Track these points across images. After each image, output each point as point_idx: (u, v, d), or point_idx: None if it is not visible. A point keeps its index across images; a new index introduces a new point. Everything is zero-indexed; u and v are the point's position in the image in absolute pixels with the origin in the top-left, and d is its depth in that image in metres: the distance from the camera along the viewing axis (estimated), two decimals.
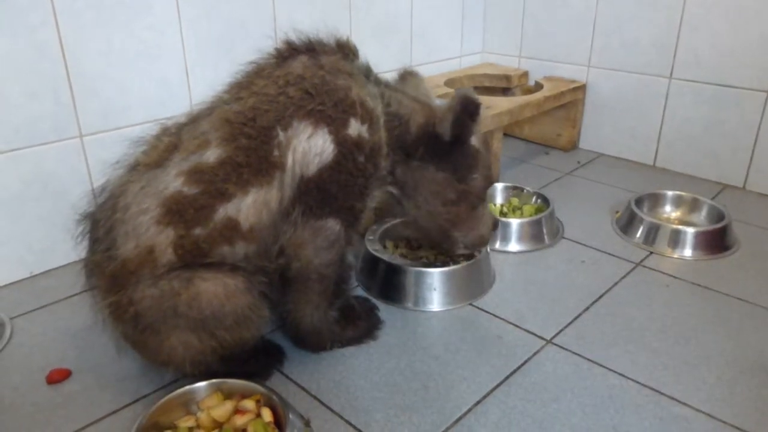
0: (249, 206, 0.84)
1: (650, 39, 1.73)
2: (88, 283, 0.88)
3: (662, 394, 0.93)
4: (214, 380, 0.86)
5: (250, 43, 1.43)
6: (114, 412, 0.90)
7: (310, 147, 0.85)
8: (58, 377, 0.96)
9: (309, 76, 0.88)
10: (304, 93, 0.87)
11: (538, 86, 1.89)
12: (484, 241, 1.10)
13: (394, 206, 1.06)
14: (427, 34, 1.93)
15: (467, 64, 2.13)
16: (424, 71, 1.95)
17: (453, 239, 1.06)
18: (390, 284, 1.16)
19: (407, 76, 1.05)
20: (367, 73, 0.96)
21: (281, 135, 0.85)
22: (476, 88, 2.04)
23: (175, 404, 0.84)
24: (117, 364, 0.98)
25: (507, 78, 1.98)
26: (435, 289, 1.13)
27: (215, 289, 0.82)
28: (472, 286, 1.17)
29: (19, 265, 1.23)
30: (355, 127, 0.88)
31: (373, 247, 1.20)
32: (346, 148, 0.87)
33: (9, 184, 1.17)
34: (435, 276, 1.13)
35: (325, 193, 0.88)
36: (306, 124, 0.85)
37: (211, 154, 0.84)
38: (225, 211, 0.83)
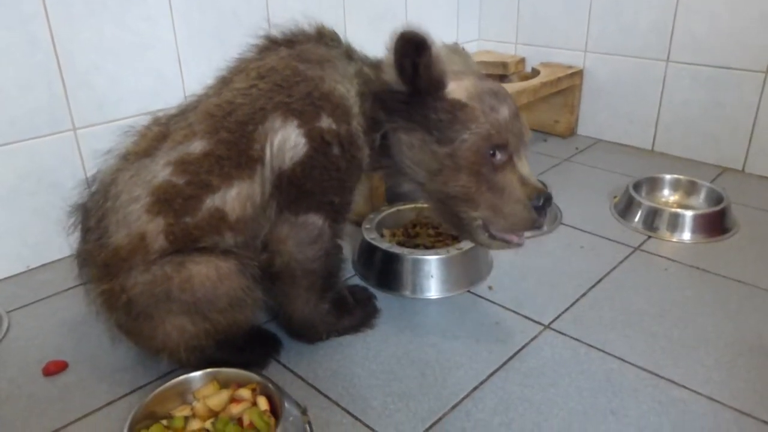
0: (234, 198, 0.84)
1: (647, 22, 1.71)
2: (81, 273, 0.88)
3: (660, 377, 0.92)
4: (209, 369, 0.86)
5: (243, 34, 1.41)
6: (110, 403, 0.90)
7: (284, 141, 0.84)
8: (54, 369, 0.96)
9: (281, 67, 0.87)
10: (274, 85, 0.85)
11: (535, 72, 1.88)
12: (519, 222, 0.87)
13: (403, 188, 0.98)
14: (423, 22, 1.90)
15: None
16: None
17: (467, 221, 0.89)
18: (387, 272, 1.15)
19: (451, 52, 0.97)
20: (349, 54, 0.94)
21: (259, 128, 0.84)
22: None
23: (170, 394, 0.84)
24: (113, 356, 0.98)
25: (504, 65, 1.97)
26: (432, 277, 1.13)
27: (208, 272, 0.81)
28: (469, 273, 1.16)
29: (15, 259, 1.23)
30: (326, 120, 0.86)
31: (370, 236, 1.20)
32: (317, 141, 0.85)
33: (4, 178, 1.16)
34: (432, 263, 1.13)
35: (301, 188, 0.86)
36: (276, 116, 0.84)
37: (197, 146, 0.84)
38: (212, 201, 0.83)
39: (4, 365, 0.98)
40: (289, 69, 0.87)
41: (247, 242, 0.87)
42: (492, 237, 0.90)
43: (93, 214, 0.85)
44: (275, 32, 0.93)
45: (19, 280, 1.22)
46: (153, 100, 1.31)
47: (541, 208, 0.86)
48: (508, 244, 0.91)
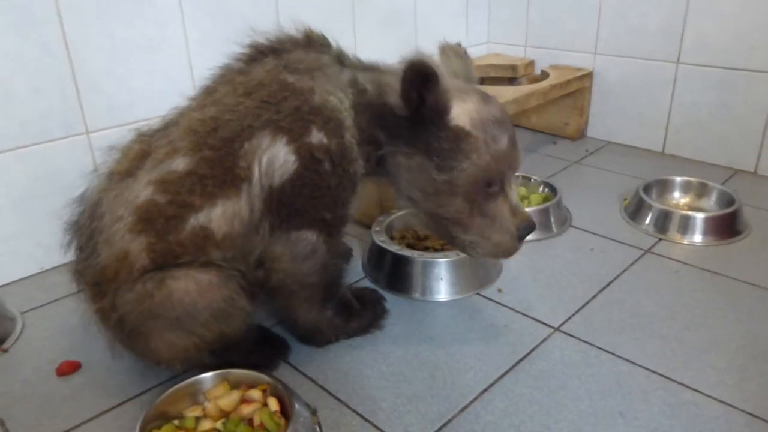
0: (219, 216, 0.82)
1: (657, 24, 1.71)
2: (79, 290, 0.89)
3: (671, 380, 0.92)
4: (220, 371, 0.87)
5: (252, 37, 1.43)
6: (122, 403, 0.91)
7: (272, 158, 0.82)
8: (67, 369, 0.97)
9: (268, 82, 0.85)
10: (261, 102, 0.83)
11: (545, 75, 1.88)
12: (501, 251, 0.90)
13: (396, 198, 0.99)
14: (432, 26, 1.92)
15: (473, 55, 2.11)
16: None
17: (457, 239, 0.91)
18: (397, 275, 1.16)
19: (449, 52, 0.96)
20: (341, 59, 0.91)
21: (246, 145, 0.82)
22: (483, 78, 2.03)
23: (182, 394, 0.85)
24: (125, 357, 0.99)
25: (513, 68, 1.97)
26: (442, 279, 1.13)
27: (186, 286, 0.80)
28: (479, 276, 1.16)
29: (28, 261, 1.25)
30: (316, 135, 0.83)
31: (380, 239, 1.20)
32: (306, 158, 0.83)
33: (18, 181, 1.18)
34: (442, 266, 1.13)
35: (292, 206, 0.85)
36: (265, 134, 0.82)
37: (179, 163, 0.82)
38: (196, 220, 0.82)
39: (18, 365, 1.00)
40: (276, 83, 0.84)
41: (236, 258, 0.86)
42: (481, 256, 0.92)
43: (83, 233, 0.85)
44: (261, 40, 0.90)
45: (32, 281, 1.24)
46: (164, 103, 1.31)
47: (522, 237, 0.89)
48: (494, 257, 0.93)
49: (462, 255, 1.13)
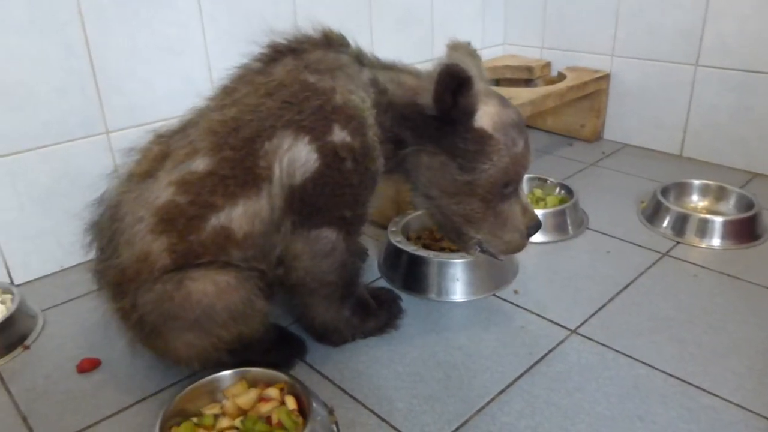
0: (240, 216, 0.83)
1: (675, 26, 1.70)
2: (99, 290, 0.89)
3: (690, 384, 0.91)
4: (238, 369, 0.88)
5: (270, 37, 1.44)
6: (142, 400, 0.92)
7: (294, 157, 0.83)
8: (88, 366, 0.99)
9: (289, 82, 0.85)
10: (283, 102, 0.84)
11: (561, 77, 1.87)
12: (511, 248, 0.95)
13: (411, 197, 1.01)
14: (448, 27, 1.92)
15: (488, 57, 2.11)
16: None
17: (464, 237, 0.95)
18: (413, 275, 1.16)
19: (453, 51, 0.97)
20: (360, 58, 0.92)
21: (266, 145, 0.83)
22: (498, 79, 2.03)
23: (200, 392, 0.86)
24: (144, 354, 1.00)
25: (529, 69, 1.97)
26: (458, 280, 1.13)
27: (204, 288, 0.81)
28: (495, 277, 1.16)
29: (49, 259, 1.26)
30: (339, 134, 0.84)
31: (396, 239, 1.20)
32: (329, 157, 0.84)
33: (39, 180, 1.20)
34: (458, 266, 1.13)
35: (313, 204, 0.85)
36: (287, 134, 0.83)
37: (200, 164, 0.83)
38: (217, 220, 0.82)
39: (40, 362, 1.01)
40: (297, 83, 0.85)
41: (257, 257, 0.86)
42: (482, 251, 0.97)
43: (104, 234, 0.86)
44: (280, 40, 0.90)
45: (53, 279, 1.25)
46: (183, 103, 1.32)
47: (530, 235, 0.96)
48: (494, 257, 0.98)
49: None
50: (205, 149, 0.83)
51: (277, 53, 0.90)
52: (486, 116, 0.87)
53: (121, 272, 0.83)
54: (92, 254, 0.90)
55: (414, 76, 0.92)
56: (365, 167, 0.87)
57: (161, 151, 0.86)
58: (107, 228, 0.85)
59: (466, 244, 0.97)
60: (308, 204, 0.85)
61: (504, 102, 0.91)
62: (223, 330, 0.84)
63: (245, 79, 0.90)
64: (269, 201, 0.84)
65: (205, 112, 0.89)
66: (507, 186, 0.90)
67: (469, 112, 0.86)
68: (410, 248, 1.17)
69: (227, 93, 0.89)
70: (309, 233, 0.88)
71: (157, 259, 0.81)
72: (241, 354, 0.89)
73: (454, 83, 0.82)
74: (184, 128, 0.88)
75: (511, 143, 0.88)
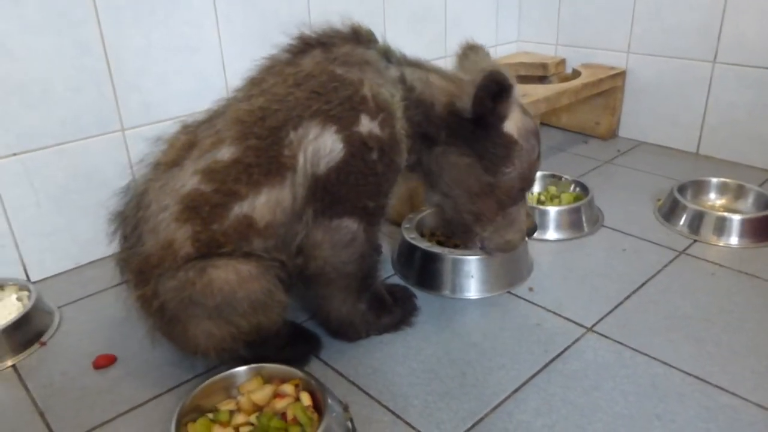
0: (262, 205, 0.84)
1: (693, 22, 1.68)
2: (122, 278, 0.90)
3: (708, 383, 0.90)
4: (254, 365, 0.88)
5: (285, 35, 1.44)
6: (157, 396, 0.92)
7: (319, 147, 0.84)
8: (104, 363, 0.99)
9: (318, 73, 0.86)
10: (311, 92, 0.85)
11: (576, 74, 1.86)
12: (510, 247, 1.01)
13: (425, 193, 1.02)
14: (462, 24, 1.91)
15: (503, 53, 2.10)
16: None
17: (471, 234, 0.99)
18: (427, 272, 1.16)
19: (468, 51, 0.99)
20: (387, 54, 0.93)
21: (291, 135, 0.84)
22: None
23: (216, 388, 0.86)
24: (160, 351, 1.00)
25: (543, 66, 1.95)
26: (472, 277, 1.13)
27: (227, 276, 0.82)
28: (509, 274, 1.16)
29: (65, 256, 1.27)
30: (367, 124, 0.85)
31: (410, 236, 1.20)
32: (355, 146, 0.85)
33: (55, 177, 1.21)
34: (472, 263, 1.13)
35: (336, 193, 0.86)
36: (314, 124, 0.84)
37: (225, 152, 0.84)
38: (240, 208, 0.83)
39: (56, 358, 1.02)
40: (326, 74, 0.86)
41: (277, 245, 0.87)
42: (481, 248, 1.02)
43: (129, 222, 0.87)
44: (309, 32, 0.91)
45: (69, 276, 1.26)
46: (198, 101, 1.33)
47: (529, 236, 1.05)
48: (489, 254, 1.04)
49: None
50: (231, 138, 0.84)
51: (306, 45, 0.91)
52: (512, 123, 0.91)
53: (144, 260, 0.83)
54: (116, 243, 0.91)
55: (441, 77, 0.94)
56: (390, 159, 0.88)
57: (188, 140, 0.87)
58: (132, 216, 0.86)
59: (470, 240, 1.01)
60: (331, 193, 0.86)
61: (524, 110, 0.95)
62: (243, 319, 0.84)
63: (273, 70, 0.91)
64: (292, 190, 0.85)
65: (232, 102, 0.90)
66: (522, 190, 0.96)
67: (503, 118, 0.89)
68: (424, 245, 1.17)
69: (254, 84, 0.91)
70: (330, 223, 0.88)
71: (180, 247, 0.82)
72: (257, 348, 0.89)
73: (496, 89, 0.85)
74: (210, 119, 0.90)
75: (531, 150, 0.93)
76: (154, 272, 0.83)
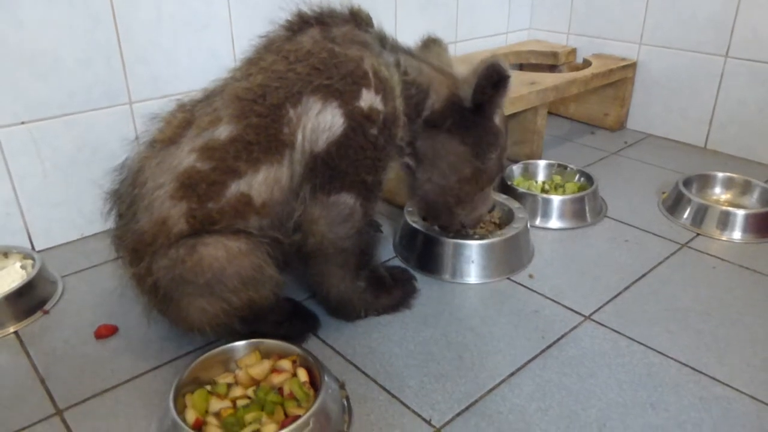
0: (260, 183, 0.84)
1: (706, 16, 1.66)
2: (118, 256, 0.91)
3: (703, 374, 0.91)
4: (252, 340, 0.88)
5: (297, 6, 1.44)
6: (157, 367, 0.93)
7: (319, 123, 0.84)
8: (105, 333, 1.00)
9: (318, 51, 0.86)
10: (312, 69, 0.85)
11: (587, 64, 1.85)
12: (479, 221, 1.13)
13: (408, 178, 1.05)
14: (474, 10, 1.90)
15: (514, 41, 2.09)
16: (470, 47, 1.94)
17: (454, 216, 1.07)
18: (428, 255, 1.16)
19: (430, 43, 1.03)
20: (382, 40, 0.94)
21: (291, 112, 0.84)
22: (522, 64, 2.01)
23: (214, 361, 0.87)
24: (160, 323, 1.01)
25: (554, 55, 1.94)
26: (473, 262, 1.13)
27: (216, 253, 0.82)
28: (510, 260, 1.16)
29: (70, 227, 1.28)
30: (368, 98, 0.86)
31: (412, 219, 1.20)
32: (356, 120, 0.85)
33: (63, 148, 1.21)
34: (473, 248, 1.13)
35: (335, 168, 0.87)
36: (315, 99, 0.84)
37: (223, 131, 0.84)
38: (237, 187, 0.83)
39: (59, 326, 1.03)
40: (326, 51, 0.86)
41: (274, 224, 0.87)
42: (462, 227, 1.13)
43: (124, 200, 0.87)
44: (306, 9, 0.91)
45: (73, 247, 1.27)
46: (206, 77, 1.33)
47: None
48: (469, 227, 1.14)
49: (494, 238, 1.13)
50: (230, 116, 0.84)
51: (303, 23, 0.91)
52: (497, 114, 0.99)
53: (139, 237, 0.84)
54: (111, 221, 0.91)
55: (432, 68, 0.97)
56: (390, 133, 0.90)
57: (185, 118, 0.87)
58: (128, 194, 0.86)
59: (452, 222, 1.10)
60: (330, 167, 0.87)
61: None
62: (233, 295, 0.84)
63: (271, 48, 0.91)
64: (290, 168, 0.85)
65: (229, 82, 0.90)
66: (498, 172, 1.06)
67: (499, 106, 0.97)
68: (426, 228, 1.17)
69: (252, 63, 0.91)
70: (328, 198, 0.89)
71: (174, 225, 0.83)
72: (253, 323, 0.90)
73: (497, 78, 0.90)
74: (207, 97, 0.90)
75: (506, 138, 1.04)
76: (147, 250, 0.83)
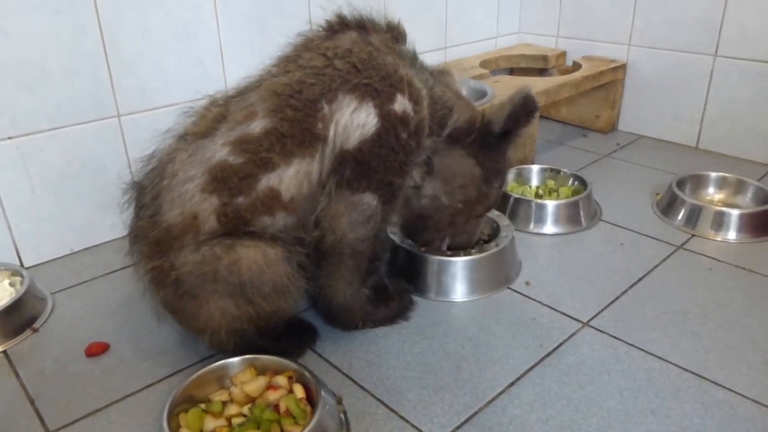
0: (291, 177, 0.84)
1: (695, 15, 1.66)
2: (132, 249, 0.88)
3: (704, 378, 0.90)
4: (247, 356, 0.87)
5: (283, 22, 1.43)
6: (150, 385, 0.91)
7: (353, 120, 0.85)
8: (96, 350, 0.99)
9: (357, 50, 0.88)
10: (351, 67, 0.86)
11: (576, 66, 1.84)
12: (468, 245, 1.13)
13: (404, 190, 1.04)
14: (463, 15, 1.90)
15: (503, 45, 2.09)
16: (460, 52, 1.93)
17: (441, 236, 1.09)
18: (414, 273, 1.14)
19: (443, 72, 1.05)
20: (413, 58, 0.96)
21: (326, 108, 0.85)
22: (512, 69, 2.01)
23: (209, 378, 0.85)
24: (153, 339, 1.00)
25: (544, 58, 1.94)
26: (457, 278, 1.11)
27: (255, 256, 0.82)
28: (496, 276, 1.14)
29: (59, 242, 1.26)
30: (401, 103, 0.87)
31: (401, 240, 1.18)
32: (389, 122, 0.87)
33: (51, 162, 1.19)
34: (458, 265, 1.10)
35: (364, 167, 0.87)
36: (351, 97, 0.85)
37: (258, 125, 0.84)
38: (268, 180, 0.84)
39: (48, 345, 1.01)
40: (365, 53, 0.88)
41: (298, 222, 0.88)
42: (448, 247, 1.12)
43: (148, 192, 0.86)
44: (347, 14, 0.93)
45: (63, 262, 1.25)
46: (195, 88, 1.32)
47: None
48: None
49: (480, 254, 1.12)
50: (266, 110, 0.85)
51: (342, 25, 0.92)
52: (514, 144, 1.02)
53: (165, 230, 0.83)
54: (128, 213, 0.90)
55: (451, 92, 1.00)
56: (418, 140, 0.91)
57: (219, 112, 0.87)
58: (154, 185, 0.86)
59: (439, 240, 1.10)
60: (360, 164, 0.87)
61: None
62: (264, 300, 0.84)
63: (310, 45, 0.92)
64: (320, 163, 0.86)
65: (266, 77, 0.90)
66: (496, 202, 1.07)
67: (520, 136, 1.00)
68: (410, 246, 1.14)
69: (290, 60, 0.91)
70: (351, 197, 0.89)
71: (205, 221, 0.82)
72: (264, 334, 0.89)
73: (530, 109, 0.95)
74: (242, 93, 0.90)
75: (507, 172, 1.07)
76: (173, 244, 0.82)
